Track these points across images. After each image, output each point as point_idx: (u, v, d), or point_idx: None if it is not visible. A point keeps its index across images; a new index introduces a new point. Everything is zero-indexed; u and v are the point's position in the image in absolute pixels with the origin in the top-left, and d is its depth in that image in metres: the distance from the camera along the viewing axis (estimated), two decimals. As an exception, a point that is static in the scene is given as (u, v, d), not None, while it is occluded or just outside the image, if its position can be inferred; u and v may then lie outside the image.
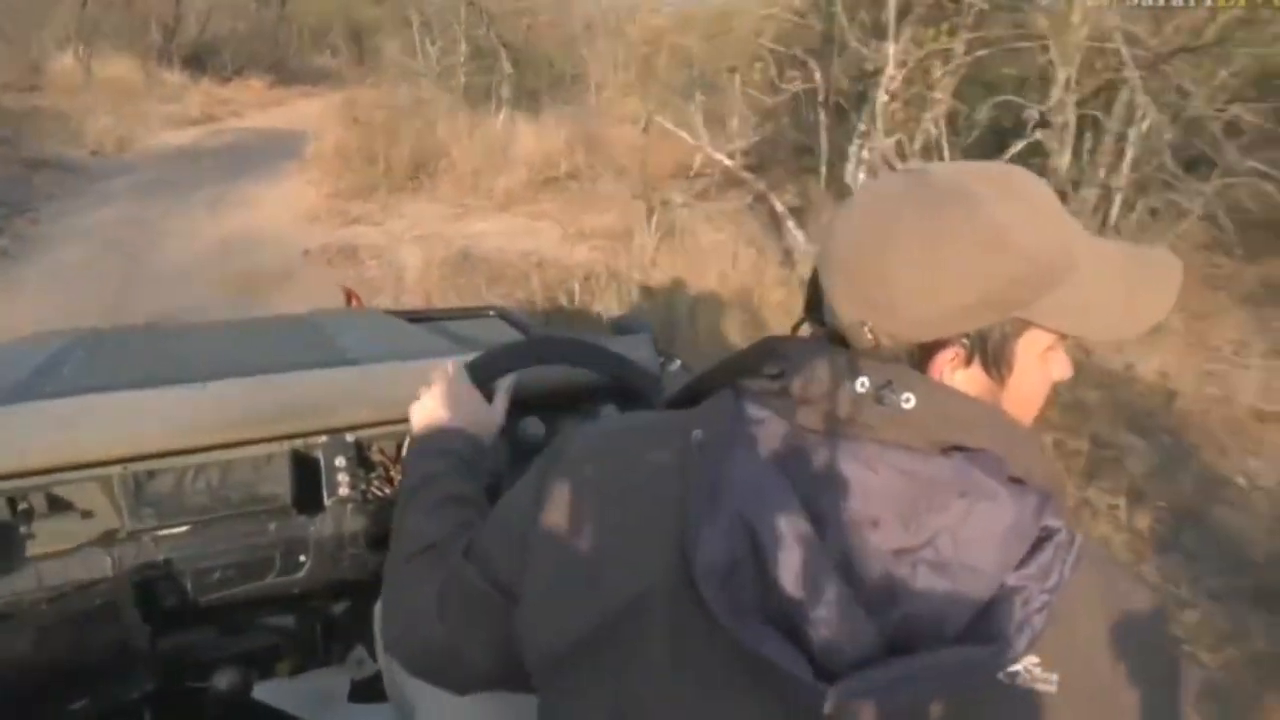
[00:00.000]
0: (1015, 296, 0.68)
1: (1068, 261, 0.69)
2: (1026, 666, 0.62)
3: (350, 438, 1.45)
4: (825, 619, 0.61)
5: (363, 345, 1.79)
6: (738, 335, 4.73)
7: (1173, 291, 0.74)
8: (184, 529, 1.35)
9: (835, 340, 0.72)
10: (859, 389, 0.66)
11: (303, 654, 1.54)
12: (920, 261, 0.67)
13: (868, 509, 0.64)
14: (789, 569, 0.62)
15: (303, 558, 1.41)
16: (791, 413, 0.69)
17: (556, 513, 0.75)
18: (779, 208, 6.32)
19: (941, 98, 5.85)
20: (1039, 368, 0.72)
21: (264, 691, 1.50)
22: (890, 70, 5.72)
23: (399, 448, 1.49)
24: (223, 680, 1.47)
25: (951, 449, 0.66)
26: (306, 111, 11.47)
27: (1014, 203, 0.68)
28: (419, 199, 7.91)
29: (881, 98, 5.81)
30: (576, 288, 5.26)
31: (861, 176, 6.27)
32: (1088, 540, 0.66)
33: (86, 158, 9.22)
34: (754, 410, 0.71)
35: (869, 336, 0.69)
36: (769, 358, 0.72)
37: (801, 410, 0.68)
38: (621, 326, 1.84)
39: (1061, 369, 0.74)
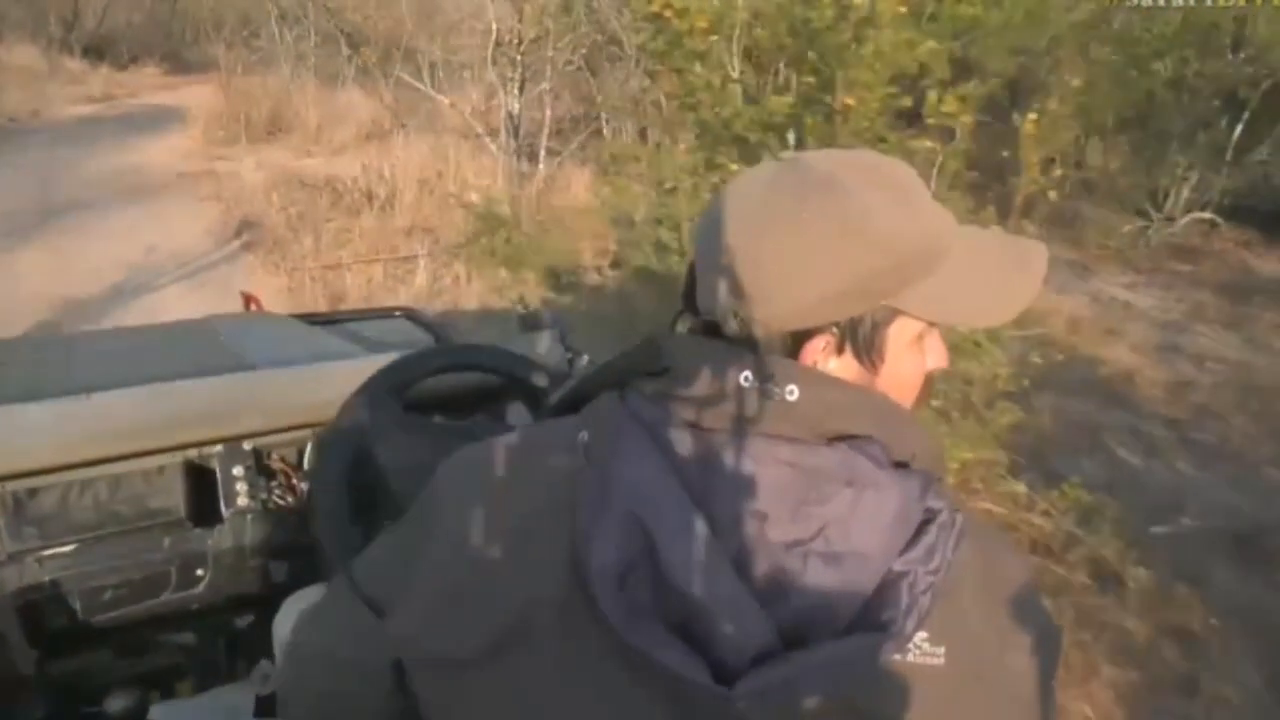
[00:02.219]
0: (882, 285, 0.69)
1: (936, 250, 0.71)
2: (915, 642, 0.64)
3: (248, 446, 1.43)
4: (721, 617, 0.62)
5: (261, 350, 1.76)
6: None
7: (1039, 277, 0.75)
8: (71, 548, 1.32)
9: (712, 331, 0.72)
10: (743, 383, 0.67)
11: (205, 671, 1.49)
12: (789, 249, 0.68)
13: (756, 503, 0.65)
14: (683, 568, 0.62)
15: (200, 572, 1.38)
16: (678, 410, 0.68)
17: (446, 525, 0.73)
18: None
19: None
20: (911, 355, 0.73)
21: (161, 712, 1.40)
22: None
23: (300, 455, 1.47)
24: (115, 703, 1.39)
25: (836, 438, 0.67)
26: (196, 93, 13.72)
27: (882, 192, 0.70)
28: (273, 147, 10.47)
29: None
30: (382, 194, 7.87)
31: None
32: (968, 516, 0.68)
33: (5, 123, 11.47)
34: (640, 410, 0.70)
35: (735, 325, 0.70)
36: (653, 356, 0.71)
37: (687, 407, 0.68)
38: (529, 323, 1.84)
39: (937, 357, 0.75)
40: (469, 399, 1.59)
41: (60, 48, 16.90)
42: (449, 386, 1.51)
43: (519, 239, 6.20)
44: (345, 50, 11.50)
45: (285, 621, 1.24)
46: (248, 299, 2.48)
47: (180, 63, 18.86)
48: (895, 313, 0.71)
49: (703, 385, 0.68)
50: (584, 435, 0.70)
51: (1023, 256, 0.76)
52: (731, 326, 0.70)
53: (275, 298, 5.50)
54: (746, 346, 0.70)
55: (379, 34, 11.76)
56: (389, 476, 1.37)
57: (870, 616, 0.63)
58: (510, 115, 8.44)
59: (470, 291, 6.10)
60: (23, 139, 10.53)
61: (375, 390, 1.34)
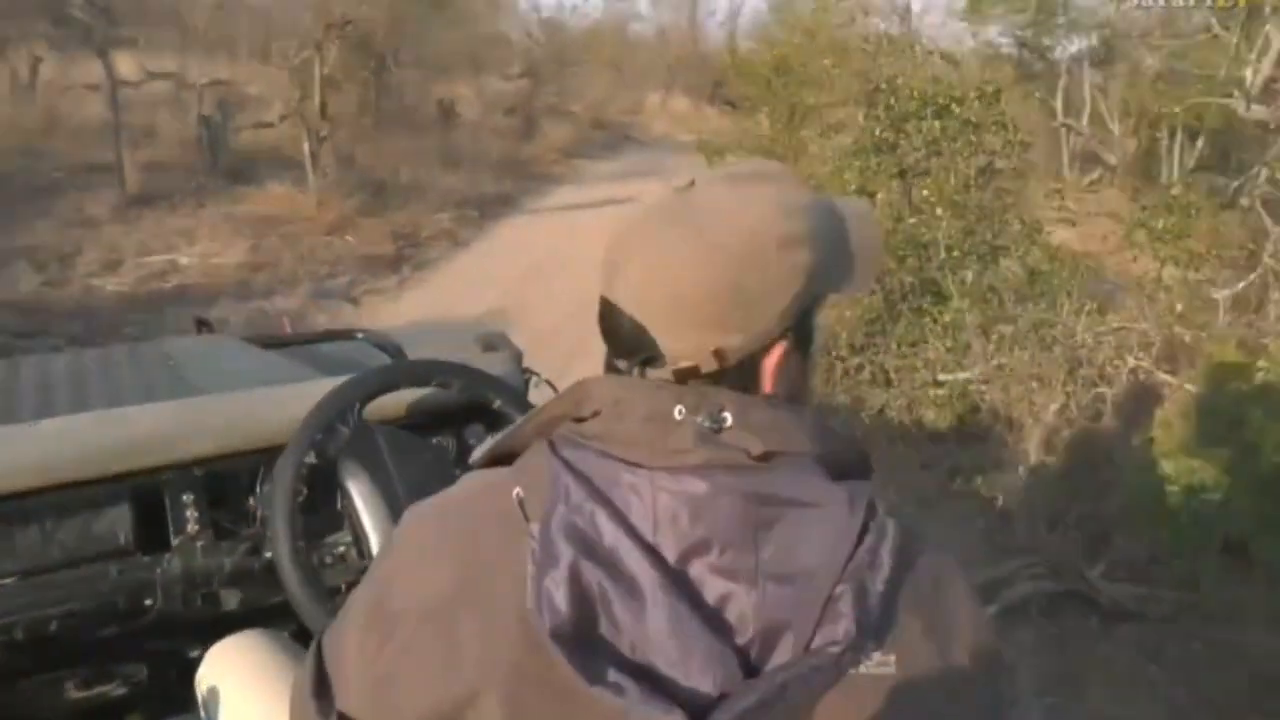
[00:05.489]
0: (825, 277, 0.73)
1: (843, 228, 0.75)
2: (867, 653, 0.64)
3: (198, 471, 1.41)
4: (684, 658, 0.62)
5: (212, 374, 1.74)
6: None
7: (881, 233, 0.82)
8: (13, 579, 1.30)
9: (638, 369, 0.72)
10: (676, 416, 0.67)
11: (156, 702, 1.45)
12: (747, 273, 0.68)
13: (705, 534, 0.65)
14: (638, 614, 0.62)
15: (149, 601, 1.35)
16: (613, 452, 0.68)
17: (400, 594, 0.72)
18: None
19: None
20: (819, 333, 0.76)
21: None
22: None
23: (252, 479, 1.44)
24: None
25: (770, 457, 0.67)
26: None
27: (788, 190, 0.73)
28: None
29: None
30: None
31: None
32: (900, 522, 0.69)
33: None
34: (574, 459, 0.69)
35: (713, 360, 0.69)
36: (580, 401, 0.71)
37: (622, 448, 0.68)
38: (487, 343, 1.83)
39: (825, 326, 0.78)
40: (427, 419, 1.57)
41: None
42: (407, 406, 1.51)
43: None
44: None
45: (210, 673, 1.24)
46: (200, 323, 2.46)
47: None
48: (823, 296, 0.74)
49: (634, 424, 0.68)
50: (518, 492, 0.69)
51: (862, 213, 0.80)
52: (710, 362, 0.70)
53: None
54: (669, 381, 0.70)
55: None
56: (352, 494, 1.37)
57: (824, 631, 0.63)
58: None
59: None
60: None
61: (336, 406, 1.34)
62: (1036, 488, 4.43)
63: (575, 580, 0.63)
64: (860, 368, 5.72)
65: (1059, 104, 12.12)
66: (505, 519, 0.68)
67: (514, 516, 0.68)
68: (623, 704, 0.60)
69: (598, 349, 0.77)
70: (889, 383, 5.53)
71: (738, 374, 0.71)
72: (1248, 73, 4.34)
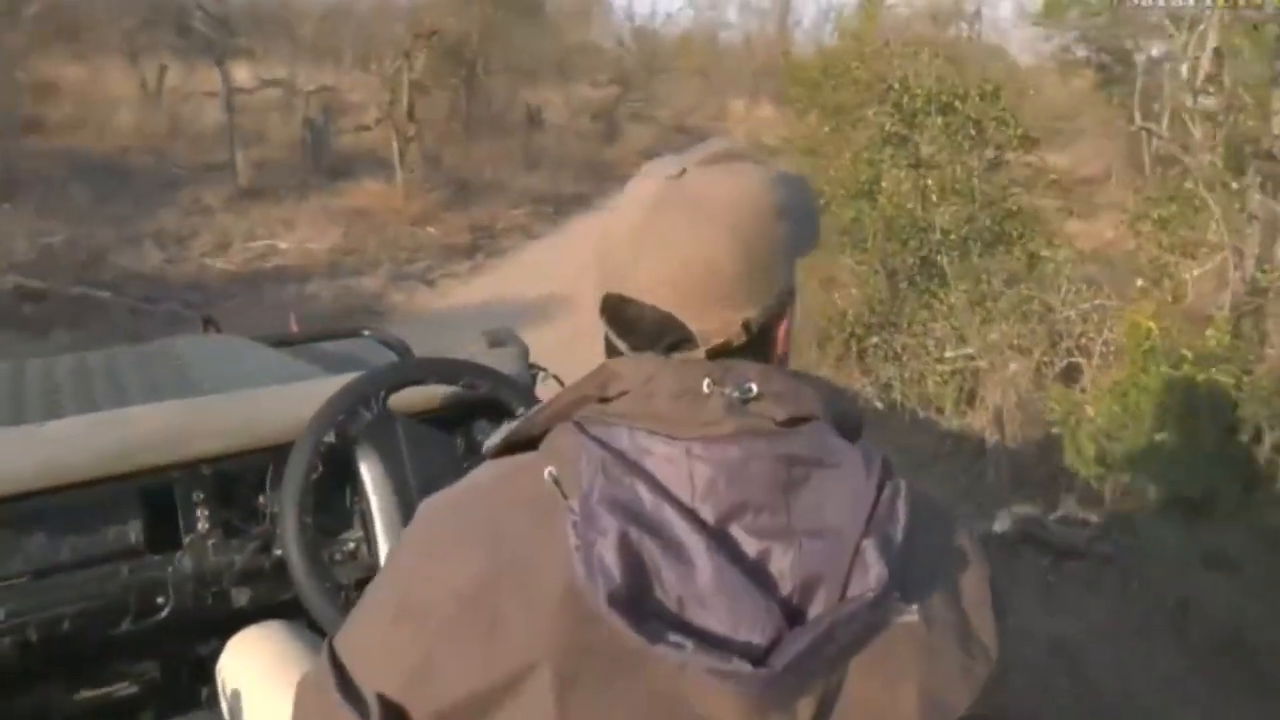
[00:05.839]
0: (802, 241, 0.77)
1: (806, 194, 0.79)
2: (894, 603, 0.67)
3: (207, 470, 1.43)
4: (731, 611, 0.64)
5: (220, 373, 1.76)
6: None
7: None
8: (24, 579, 1.31)
9: (656, 347, 0.73)
10: (705, 390, 0.69)
11: (168, 700, 1.47)
12: (758, 247, 0.72)
13: (742, 498, 0.67)
14: (686, 573, 0.64)
15: (161, 599, 1.37)
16: (646, 427, 0.70)
17: (426, 587, 0.71)
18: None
19: None
20: (797, 293, 0.79)
21: None
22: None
23: (262, 478, 1.46)
24: None
25: (794, 422, 0.70)
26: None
27: (759, 165, 0.76)
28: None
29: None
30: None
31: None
32: (907, 481, 0.72)
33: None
34: (605, 434, 0.70)
35: (742, 333, 0.72)
36: (608, 383, 0.73)
37: (654, 423, 0.70)
38: (495, 339, 1.83)
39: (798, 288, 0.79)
40: (438, 413, 1.59)
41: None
42: (419, 400, 1.53)
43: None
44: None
45: (231, 664, 1.27)
46: (206, 321, 2.46)
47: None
48: (795, 260, 0.78)
49: (664, 401, 0.70)
50: (550, 471, 0.69)
51: (805, 181, 0.83)
52: (739, 335, 0.72)
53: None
54: (695, 356, 0.72)
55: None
56: (364, 478, 1.40)
57: (856, 582, 0.66)
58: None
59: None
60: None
61: (345, 404, 1.36)
62: (1007, 449, 4.90)
63: (625, 547, 0.64)
64: (877, 346, 6.21)
65: (1136, 106, 12.22)
66: (535, 502, 0.69)
67: (545, 498, 0.68)
68: (684, 659, 0.62)
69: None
70: (899, 358, 6.01)
71: (757, 344, 0.74)
72: (1183, 68, 4.69)
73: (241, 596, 1.42)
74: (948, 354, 5.71)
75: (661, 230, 0.72)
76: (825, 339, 6.46)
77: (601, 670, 0.66)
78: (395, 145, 10.78)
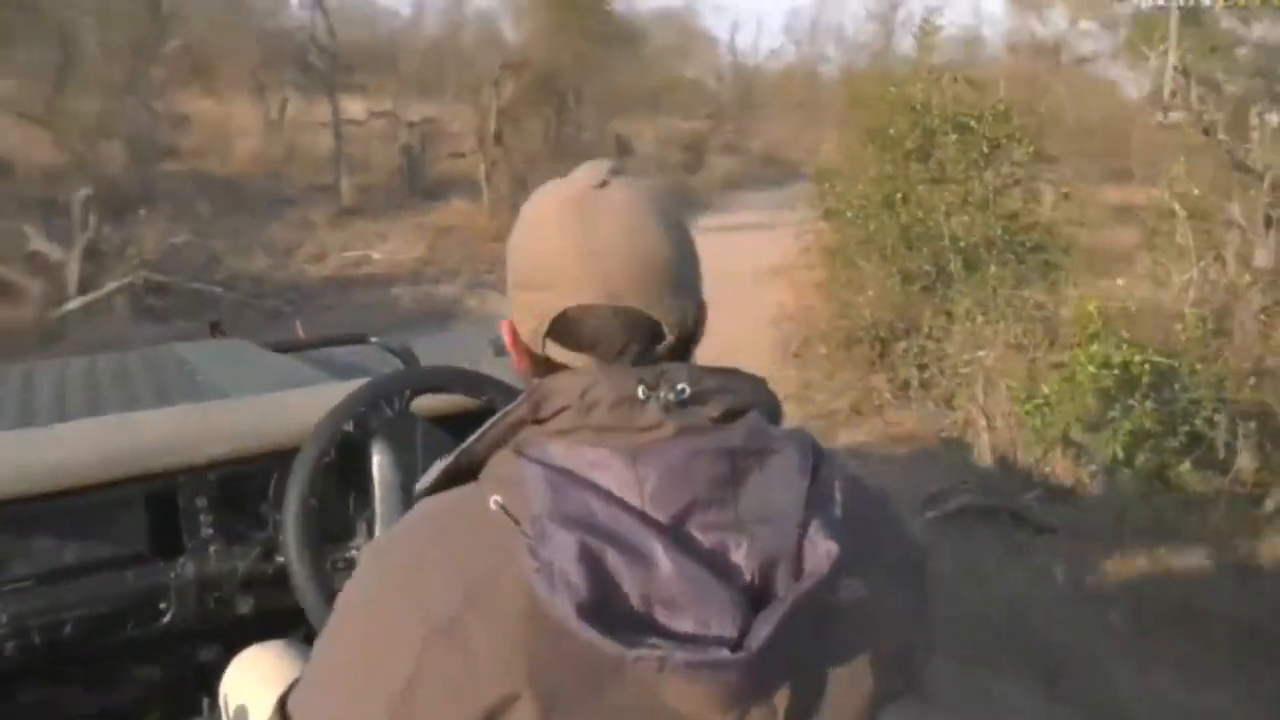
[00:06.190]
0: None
1: None
2: (844, 583, 0.69)
3: (211, 475, 1.43)
4: (700, 608, 0.65)
5: (226, 378, 1.76)
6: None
7: None
8: (29, 583, 1.31)
9: (626, 353, 0.74)
10: (640, 396, 0.70)
11: (170, 705, 1.47)
12: (687, 239, 0.77)
13: (688, 496, 0.68)
14: (649, 577, 0.65)
15: (164, 604, 1.37)
16: (587, 441, 0.70)
17: (384, 629, 0.70)
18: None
19: None
20: None
21: None
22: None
23: (266, 483, 1.46)
24: None
25: (728, 416, 0.72)
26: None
27: (645, 178, 0.82)
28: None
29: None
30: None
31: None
32: (838, 458, 0.75)
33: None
34: (546, 454, 0.70)
35: (701, 317, 0.77)
36: (543, 402, 0.72)
37: (596, 435, 0.70)
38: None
39: None
40: (448, 423, 1.58)
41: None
42: (428, 409, 1.52)
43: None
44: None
45: (234, 683, 1.25)
46: (213, 326, 2.49)
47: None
48: None
49: (603, 412, 0.70)
50: (496, 500, 0.69)
51: None
52: (672, 329, 0.74)
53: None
54: (629, 364, 0.73)
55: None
56: (375, 471, 1.38)
57: (809, 559, 0.68)
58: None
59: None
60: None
61: (347, 411, 1.35)
62: (995, 434, 5.30)
63: (586, 557, 0.64)
64: (905, 350, 6.65)
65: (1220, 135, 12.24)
66: (485, 531, 0.69)
67: (494, 526, 0.68)
68: (664, 657, 0.62)
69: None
70: (919, 360, 6.44)
71: (687, 342, 0.76)
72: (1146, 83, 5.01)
73: (244, 603, 1.43)
74: (964, 356, 6.12)
75: (610, 234, 0.73)
76: (853, 341, 6.93)
77: (578, 688, 0.66)
78: (483, 167, 11.73)
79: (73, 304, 7.08)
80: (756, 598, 0.67)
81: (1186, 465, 4.27)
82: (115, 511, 1.38)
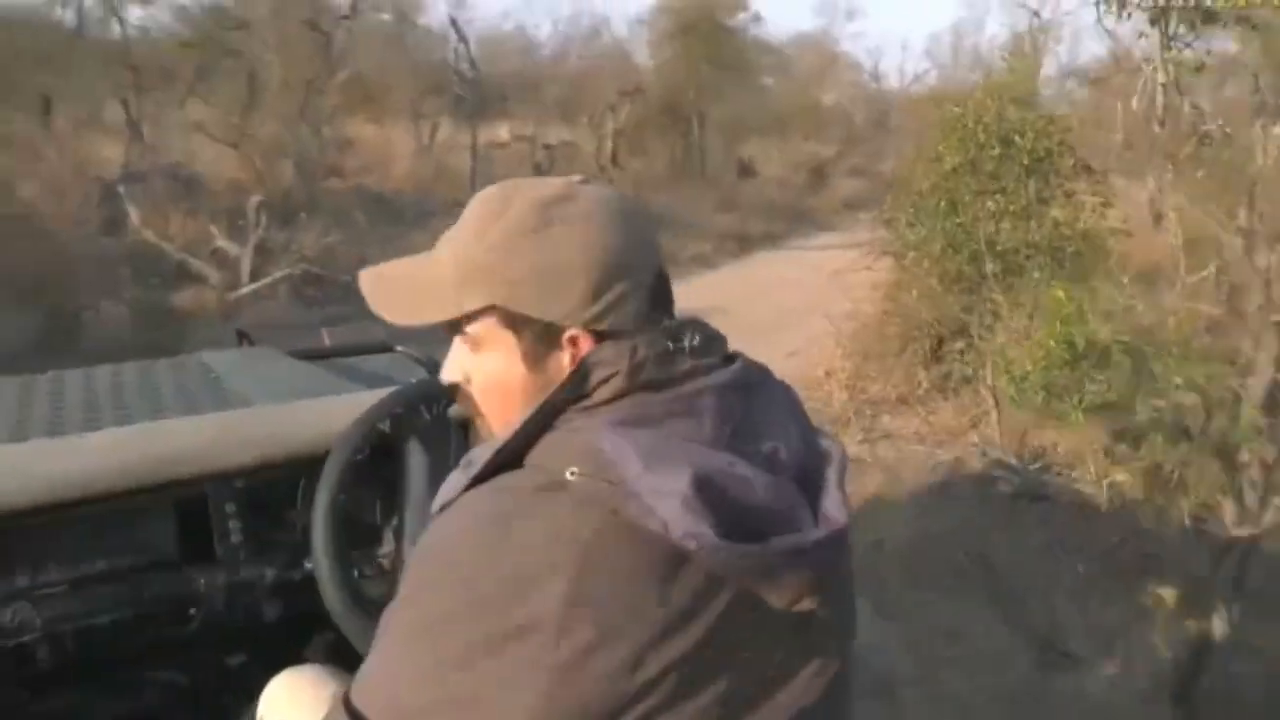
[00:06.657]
0: None
1: None
2: (844, 502, 0.81)
3: (239, 483, 1.45)
4: (788, 509, 0.76)
5: (254, 386, 1.79)
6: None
7: None
8: (61, 588, 1.34)
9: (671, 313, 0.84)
10: (670, 349, 0.79)
11: (197, 710, 1.50)
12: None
13: (733, 424, 0.78)
14: (747, 490, 0.73)
15: (193, 610, 1.40)
16: (639, 398, 0.77)
17: (499, 615, 0.70)
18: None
19: None
20: None
21: None
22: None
23: (294, 490, 1.48)
24: None
25: (732, 357, 0.84)
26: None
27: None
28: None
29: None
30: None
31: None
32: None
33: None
34: (604, 420, 0.75)
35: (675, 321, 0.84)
36: (590, 373, 0.77)
37: (646, 392, 0.77)
38: None
39: None
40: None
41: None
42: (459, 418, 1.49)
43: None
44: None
45: (269, 706, 1.22)
46: (241, 335, 2.52)
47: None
48: None
49: (652, 369, 0.77)
50: (573, 470, 0.72)
51: None
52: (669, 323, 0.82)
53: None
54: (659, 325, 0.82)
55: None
56: (409, 473, 1.38)
57: (832, 467, 0.82)
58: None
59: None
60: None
61: (371, 420, 1.34)
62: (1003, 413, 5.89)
63: (702, 485, 0.69)
64: (962, 351, 7.24)
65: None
66: (568, 495, 0.72)
67: (577, 493, 0.71)
68: (798, 541, 0.72)
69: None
70: (962, 357, 7.02)
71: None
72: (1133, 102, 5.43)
73: (272, 610, 1.45)
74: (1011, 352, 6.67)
75: (625, 223, 0.83)
76: (909, 339, 7.57)
77: (687, 613, 0.71)
78: (599, 184, 12.87)
79: (245, 290, 8.65)
80: (808, 489, 0.79)
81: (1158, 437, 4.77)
82: (146, 519, 1.42)
